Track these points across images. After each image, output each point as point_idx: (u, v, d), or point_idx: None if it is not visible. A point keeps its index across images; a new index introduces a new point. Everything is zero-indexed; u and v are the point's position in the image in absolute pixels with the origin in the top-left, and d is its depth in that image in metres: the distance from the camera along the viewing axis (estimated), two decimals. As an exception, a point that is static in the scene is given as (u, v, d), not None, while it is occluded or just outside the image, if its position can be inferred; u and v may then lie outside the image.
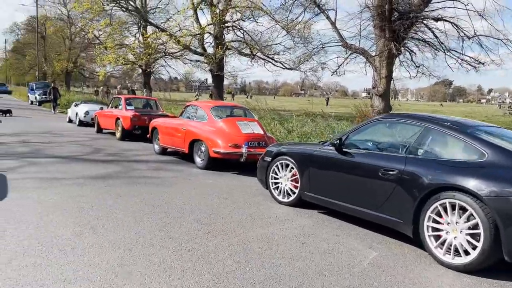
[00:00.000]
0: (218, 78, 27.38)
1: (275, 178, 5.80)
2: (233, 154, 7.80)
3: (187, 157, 9.03)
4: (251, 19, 25.68)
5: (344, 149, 4.87)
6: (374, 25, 18.03)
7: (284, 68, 28.51)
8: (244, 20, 26.10)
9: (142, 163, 8.68)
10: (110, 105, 14.03)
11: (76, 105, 17.53)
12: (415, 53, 18.59)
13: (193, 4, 26.01)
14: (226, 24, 26.69)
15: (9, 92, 57.85)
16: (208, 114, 8.55)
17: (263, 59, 27.55)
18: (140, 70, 37.43)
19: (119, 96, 14.55)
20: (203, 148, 8.20)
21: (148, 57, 29.02)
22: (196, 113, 8.89)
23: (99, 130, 14.30)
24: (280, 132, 11.03)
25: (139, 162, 8.73)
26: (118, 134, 12.61)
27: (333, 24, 19.44)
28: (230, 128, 8.13)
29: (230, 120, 8.40)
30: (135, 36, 31.37)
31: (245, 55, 27.39)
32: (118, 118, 12.59)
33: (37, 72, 45.26)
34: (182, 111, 9.65)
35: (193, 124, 8.65)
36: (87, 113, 16.36)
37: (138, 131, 12.41)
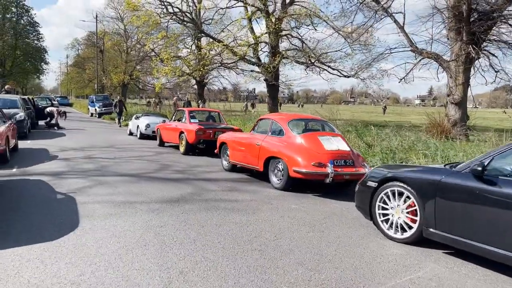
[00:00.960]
0: (273, 87, 26.68)
1: (384, 209, 4.82)
2: (317, 174, 6.87)
3: (260, 175, 8.25)
4: (310, 26, 24.81)
5: (486, 177, 3.83)
6: (449, 27, 16.56)
7: (340, 76, 27.50)
8: (299, 28, 25.26)
9: (214, 182, 7.99)
10: (173, 118, 13.62)
11: (137, 117, 17.42)
12: (496, 56, 16.85)
13: (248, 14, 25.63)
14: (282, 33, 25.97)
15: (70, 105, 60.80)
16: (285, 129, 7.70)
17: (318, 67, 26.65)
18: (194, 81, 37.82)
19: (182, 109, 14.15)
20: (280, 167, 7.35)
21: (204, 68, 29.00)
22: (271, 127, 8.08)
23: (161, 144, 13.94)
24: (360, 147, 9.97)
25: (210, 181, 8.04)
26: (182, 149, 12.12)
27: (401, 28, 18.12)
28: (311, 144, 7.23)
29: (311, 135, 7.50)
30: (190, 48, 31.45)
31: (301, 63, 26.59)
32: (182, 132, 12.11)
33: (96, 85, 46.99)
34: (254, 125, 8.89)
35: (269, 140, 7.84)
36: (148, 126, 16.14)
37: (202, 145, 11.85)
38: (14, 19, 57.40)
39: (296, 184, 7.33)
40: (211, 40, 30.11)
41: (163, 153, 12.30)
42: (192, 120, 12.37)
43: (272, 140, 7.75)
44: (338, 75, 27.66)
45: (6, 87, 19.49)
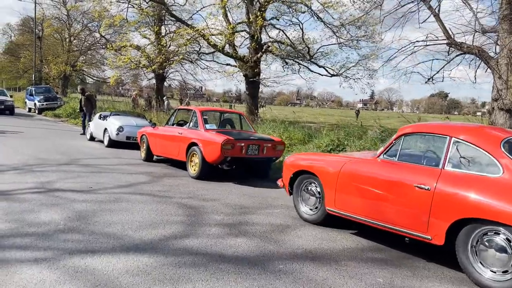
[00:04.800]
0: (253, 85, 22.70)
1: None
2: None
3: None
4: (304, 14, 21.13)
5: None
6: (502, 16, 13.64)
7: (322, 75, 24.26)
8: (297, 14, 21.48)
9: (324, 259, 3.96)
10: (172, 120, 9.21)
11: (103, 117, 12.71)
12: None
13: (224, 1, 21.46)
14: (266, 22, 22.01)
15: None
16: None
17: (299, 63, 23.17)
18: (147, 75, 33.03)
19: (188, 108, 9.71)
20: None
21: (167, 61, 24.87)
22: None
23: (149, 157, 9.52)
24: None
25: (315, 260, 3.99)
26: (192, 170, 7.85)
27: (436, 15, 15.02)
28: None
29: None
30: (149, 38, 26.76)
31: (287, 58, 22.93)
32: (193, 144, 7.84)
33: (33, 76, 40.20)
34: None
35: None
36: (120, 129, 11.58)
37: (228, 166, 7.71)
38: None
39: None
40: (173, 28, 25.98)
41: (161, 175, 7.95)
42: (208, 126, 8.12)
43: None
44: (319, 74, 24.41)
45: None
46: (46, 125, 18.38)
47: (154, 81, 30.37)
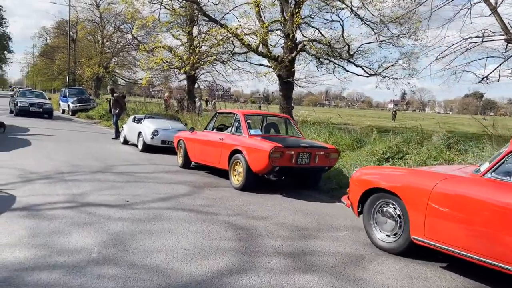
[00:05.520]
0: (288, 85, 21.85)
1: None
2: None
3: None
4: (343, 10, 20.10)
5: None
6: None
7: (358, 75, 23.21)
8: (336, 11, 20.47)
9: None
10: (212, 124, 8.50)
11: (137, 120, 12.18)
12: None
13: (259, -1, 20.68)
14: (302, 20, 21.09)
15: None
16: None
17: (335, 63, 22.14)
18: (177, 77, 32.75)
19: (228, 111, 8.97)
20: None
21: (199, 62, 24.56)
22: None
23: (187, 164, 8.84)
24: None
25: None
26: (235, 180, 7.10)
27: (493, 9, 13.79)
28: None
29: None
30: (181, 40, 26.40)
31: (323, 58, 21.95)
32: (236, 151, 7.08)
33: (67, 77, 40.74)
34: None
35: None
36: (155, 133, 10.98)
37: (276, 177, 6.91)
38: (-27, -1, 50.14)
39: None
40: (205, 29, 25.57)
41: (201, 185, 7.22)
42: (252, 132, 7.34)
43: None
44: (355, 74, 23.37)
45: None
46: (79, 127, 18.14)
47: (185, 82, 30.02)
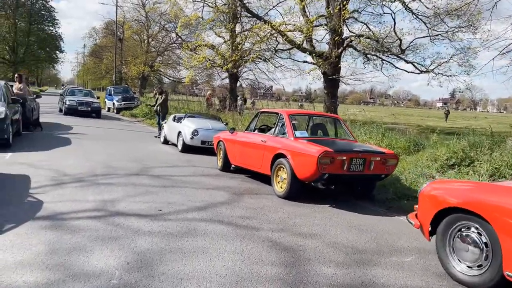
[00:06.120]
0: (333, 83, 20.86)
1: None
2: None
3: None
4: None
5: None
6: None
7: (408, 72, 21.86)
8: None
9: None
10: (254, 125, 7.87)
11: (177, 119, 11.78)
12: None
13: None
14: (349, 14, 20.01)
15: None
16: None
17: (383, 59, 20.90)
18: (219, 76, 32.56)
19: (273, 111, 8.30)
20: None
21: (241, 58, 24.22)
22: None
23: (226, 167, 8.27)
24: None
25: None
26: (279, 187, 6.42)
27: None
28: None
29: None
30: (224, 38, 26.08)
31: (371, 54, 20.79)
32: (280, 155, 6.39)
33: (114, 76, 41.75)
34: None
35: None
36: (195, 133, 10.52)
37: (325, 185, 6.16)
38: (29, 3, 52.51)
39: None
40: (248, 26, 25.15)
41: (241, 192, 6.61)
42: (298, 134, 6.63)
43: None
44: (405, 70, 22.07)
45: None
46: (123, 125, 18.15)
47: (227, 80, 29.74)
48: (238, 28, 26.35)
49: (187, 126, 10.78)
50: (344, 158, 5.83)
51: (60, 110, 21.57)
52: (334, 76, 19.83)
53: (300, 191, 6.25)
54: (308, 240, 4.43)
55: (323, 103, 22.26)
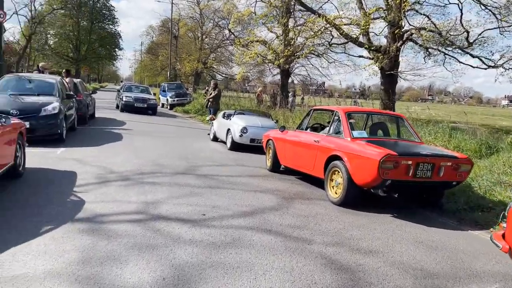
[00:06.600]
0: (390, 79, 19.69)
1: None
2: None
3: None
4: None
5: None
6: None
7: (474, 67, 20.23)
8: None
9: None
10: (306, 123, 7.33)
11: (227, 116, 11.47)
12: None
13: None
14: (410, 6, 18.70)
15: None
16: None
17: (446, 53, 19.38)
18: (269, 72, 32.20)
19: (328, 108, 7.70)
20: None
21: (294, 54, 23.72)
22: None
23: (276, 167, 7.79)
24: None
25: None
26: (334, 192, 5.84)
27: None
28: None
29: None
30: (276, 33, 25.52)
31: (432, 48, 19.38)
32: (335, 157, 5.81)
33: (168, 72, 42.66)
34: None
35: None
36: (244, 130, 10.15)
37: (388, 192, 5.51)
38: (91, 2, 55.04)
39: None
40: (301, 21, 24.51)
41: (291, 196, 6.10)
42: (356, 134, 6.01)
43: None
44: (470, 66, 20.40)
45: (40, 64, 14.35)
46: (174, 122, 18.24)
47: (278, 77, 29.26)
48: (291, 23, 25.78)
49: (236, 124, 10.43)
50: (410, 162, 5.14)
51: (117, 107, 21.59)
52: (392, 72, 18.78)
53: (357, 198, 5.64)
54: (368, 258, 3.85)
55: (379, 100, 21.17)
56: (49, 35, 52.05)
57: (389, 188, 5.35)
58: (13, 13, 33.04)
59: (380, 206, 5.86)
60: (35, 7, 43.54)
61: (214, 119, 12.84)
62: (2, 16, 13.26)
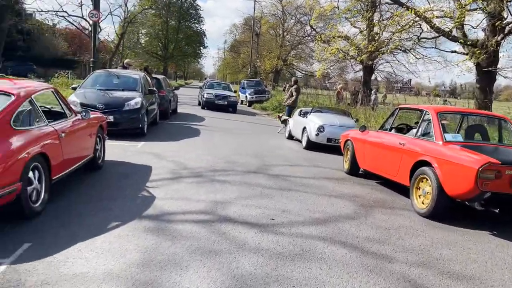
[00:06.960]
0: (488, 75, 17.66)
1: None
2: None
3: None
4: None
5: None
6: None
7: None
8: None
9: None
10: (390, 123, 6.70)
11: (303, 114, 11.07)
12: None
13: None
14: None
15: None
16: None
17: None
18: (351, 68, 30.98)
19: (417, 107, 6.98)
20: None
21: (378, 50, 22.55)
22: None
23: (354, 170, 7.24)
24: None
25: None
26: (420, 202, 5.19)
27: None
28: None
29: None
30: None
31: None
32: (423, 163, 5.15)
33: (249, 70, 43.22)
34: None
35: None
36: (321, 129, 9.68)
37: (487, 207, 4.76)
38: (179, 2, 57.73)
39: None
40: (387, 15, 23.11)
41: (370, 204, 5.55)
42: (449, 137, 5.29)
43: None
44: None
45: (125, 61, 15.06)
46: (252, 118, 18.24)
47: (360, 73, 28.08)
48: (376, 17, 24.53)
49: (313, 122, 9.99)
50: (515, 172, 4.34)
51: (199, 103, 21.81)
52: (490, 68, 16.88)
53: (448, 210, 4.94)
54: (461, 284, 3.25)
55: (474, 99, 19.21)
56: (140, 34, 55.48)
57: (488, 201, 4.58)
58: (108, 14, 35.73)
59: (476, 221, 5.08)
60: (127, 8, 46.74)
61: (280, 118, 12.69)
62: (96, 16, 14.18)
